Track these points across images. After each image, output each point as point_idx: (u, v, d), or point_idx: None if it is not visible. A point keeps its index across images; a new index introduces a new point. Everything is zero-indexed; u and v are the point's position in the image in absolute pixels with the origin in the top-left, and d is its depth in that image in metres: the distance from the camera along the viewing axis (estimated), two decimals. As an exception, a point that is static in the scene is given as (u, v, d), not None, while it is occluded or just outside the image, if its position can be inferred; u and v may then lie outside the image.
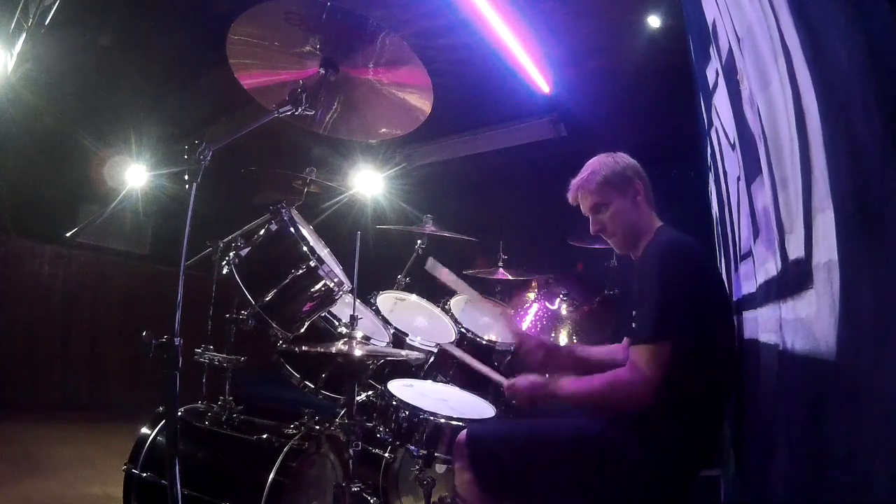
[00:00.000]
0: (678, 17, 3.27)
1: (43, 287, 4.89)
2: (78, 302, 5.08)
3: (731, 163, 2.08)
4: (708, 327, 1.70)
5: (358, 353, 1.96)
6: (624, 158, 1.96)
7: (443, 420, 2.09)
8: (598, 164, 1.96)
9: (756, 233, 1.65)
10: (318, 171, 2.52)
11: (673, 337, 1.62)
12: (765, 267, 1.52)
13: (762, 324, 1.58)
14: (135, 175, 4.45)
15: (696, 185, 3.80)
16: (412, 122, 2.22)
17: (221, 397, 2.21)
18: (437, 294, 3.08)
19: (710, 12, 2.03)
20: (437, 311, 2.98)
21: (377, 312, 2.75)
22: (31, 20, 3.64)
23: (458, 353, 2.40)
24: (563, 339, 3.16)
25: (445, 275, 2.29)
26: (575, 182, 1.98)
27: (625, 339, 2.18)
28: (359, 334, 2.07)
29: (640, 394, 1.61)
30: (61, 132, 4.59)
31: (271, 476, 1.89)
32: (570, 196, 2.01)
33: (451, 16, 3.82)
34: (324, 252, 2.31)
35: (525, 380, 1.86)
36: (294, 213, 2.27)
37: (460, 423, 2.06)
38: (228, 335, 2.24)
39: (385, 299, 2.90)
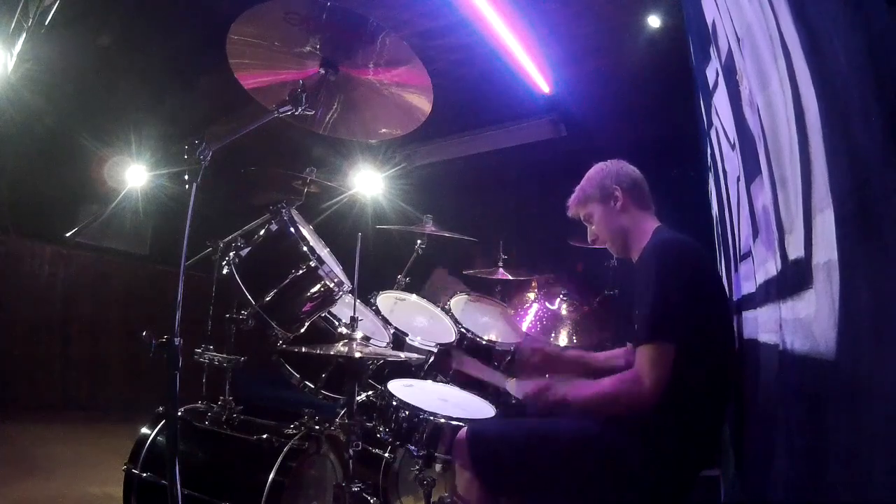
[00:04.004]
0: (678, 17, 3.28)
1: (43, 287, 4.89)
2: (78, 302, 5.08)
3: (731, 163, 2.08)
4: (707, 326, 1.70)
5: (358, 354, 1.96)
6: (608, 168, 2.02)
7: (443, 420, 2.09)
8: (585, 177, 2.06)
9: (756, 233, 1.65)
10: (318, 171, 2.51)
11: (674, 337, 1.62)
12: (764, 267, 1.52)
13: (762, 324, 1.59)
14: (135, 175, 4.44)
15: (696, 185, 3.80)
16: (412, 122, 2.22)
17: (221, 397, 2.21)
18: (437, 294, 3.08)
19: (709, 12, 2.03)
20: (437, 311, 2.98)
21: (377, 312, 2.75)
22: (31, 20, 3.64)
23: (467, 367, 2.38)
24: (563, 340, 3.16)
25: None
26: (570, 200, 2.09)
27: (628, 344, 2.19)
28: (359, 335, 2.07)
29: (644, 396, 1.61)
30: (61, 132, 4.59)
31: (271, 476, 1.89)
32: (569, 214, 2.11)
33: (451, 16, 3.82)
34: (324, 252, 2.30)
35: (535, 389, 1.86)
36: (294, 213, 2.27)
37: (460, 423, 2.06)
38: (228, 335, 2.24)
39: (385, 299, 2.90)
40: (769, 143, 1.29)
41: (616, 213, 1.96)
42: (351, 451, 2.00)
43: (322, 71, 2.02)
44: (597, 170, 2.05)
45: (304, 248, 2.15)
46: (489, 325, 3.00)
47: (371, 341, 2.34)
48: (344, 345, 2.01)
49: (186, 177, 1.54)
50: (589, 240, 2.07)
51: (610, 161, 2.05)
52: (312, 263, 2.14)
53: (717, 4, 1.81)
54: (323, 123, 2.22)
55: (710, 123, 2.56)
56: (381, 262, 3.23)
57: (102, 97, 4.68)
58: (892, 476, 0.70)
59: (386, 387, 2.25)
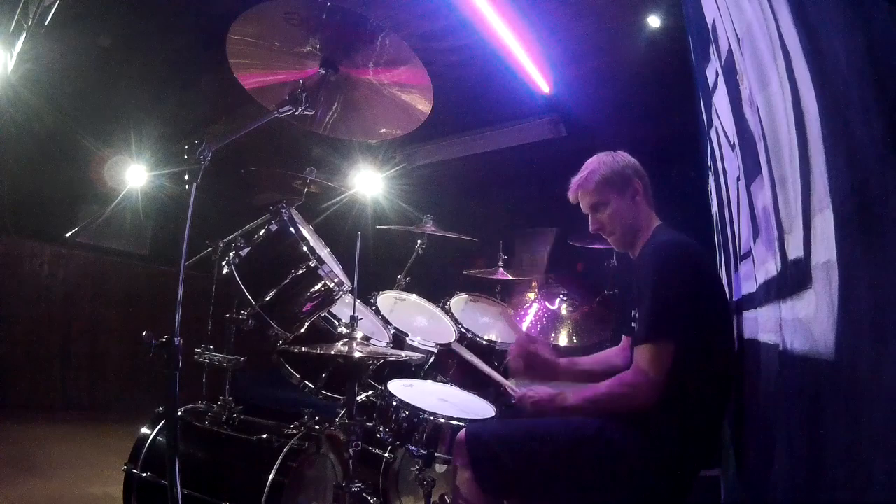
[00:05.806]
0: (678, 17, 3.27)
1: (43, 287, 4.89)
2: (78, 302, 5.09)
3: (731, 163, 2.08)
4: (707, 326, 1.70)
5: (358, 354, 1.96)
6: (624, 157, 1.98)
7: (443, 420, 2.09)
8: (597, 163, 1.98)
9: (756, 233, 1.65)
10: (318, 171, 2.52)
11: (673, 336, 1.62)
12: (764, 267, 1.52)
13: (762, 324, 1.58)
14: (135, 175, 4.45)
15: (696, 185, 3.80)
16: (412, 122, 2.22)
17: (221, 397, 2.21)
18: (437, 294, 3.08)
19: (709, 12, 2.03)
20: (437, 311, 2.98)
21: (377, 312, 2.75)
22: (31, 20, 3.63)
23: (467, 354, 2.38)
24: (563, 340, 3.15)
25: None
26: (575, 181, 2.01)
27: (622, 340, 2.18)
28: (359, 335, 2.07)
29: (644, 395, 1.61)
30: (61, 132, 4.59)
31: (271, 476, 1.89)
32: (570, 195, 2.04)
33: (451, 16, 3.82)
34: (324, 252, 2.31)
35: (534, 393, 1.86)
36: (294, 213, 2.27)
37: (460, 423, 2.06)
38: (228, 335, 2.24)
39: (385, 299, 2.90)
40: (769, 143, 1.29)
41: (633, 205, 1.92)
42: (351, 451, 2.00)
43: (322, 71, 2.02)
44: (613, 157, 1.97)
45: (304, 248, 2.15)
46: (489, 325, 3.01)
47: (371, 341, 2.34)
48: (344, 345, 2.01)
49: (186, 177, 1.54)
50: (591, 228, 1.99)
51: (619, 152, 1.99)
52: (312, 263, 2.14)
53: (717, 4, 1.81)
54: (323, 123, 2.21)
55: (710, 123, 2.55)
56: (381, 262, 3.23)
57: (102, 97, 4.69)
58: (892, 476, 0.70)
59: (386, 387, 2.25)
